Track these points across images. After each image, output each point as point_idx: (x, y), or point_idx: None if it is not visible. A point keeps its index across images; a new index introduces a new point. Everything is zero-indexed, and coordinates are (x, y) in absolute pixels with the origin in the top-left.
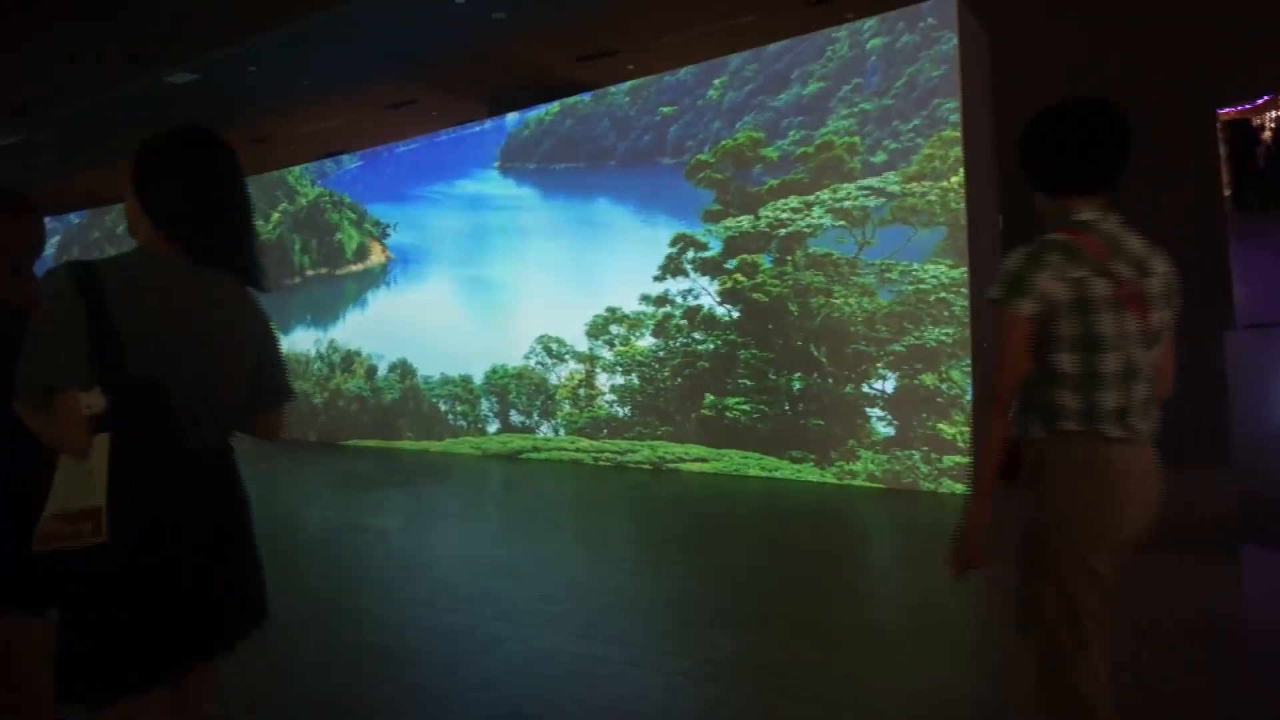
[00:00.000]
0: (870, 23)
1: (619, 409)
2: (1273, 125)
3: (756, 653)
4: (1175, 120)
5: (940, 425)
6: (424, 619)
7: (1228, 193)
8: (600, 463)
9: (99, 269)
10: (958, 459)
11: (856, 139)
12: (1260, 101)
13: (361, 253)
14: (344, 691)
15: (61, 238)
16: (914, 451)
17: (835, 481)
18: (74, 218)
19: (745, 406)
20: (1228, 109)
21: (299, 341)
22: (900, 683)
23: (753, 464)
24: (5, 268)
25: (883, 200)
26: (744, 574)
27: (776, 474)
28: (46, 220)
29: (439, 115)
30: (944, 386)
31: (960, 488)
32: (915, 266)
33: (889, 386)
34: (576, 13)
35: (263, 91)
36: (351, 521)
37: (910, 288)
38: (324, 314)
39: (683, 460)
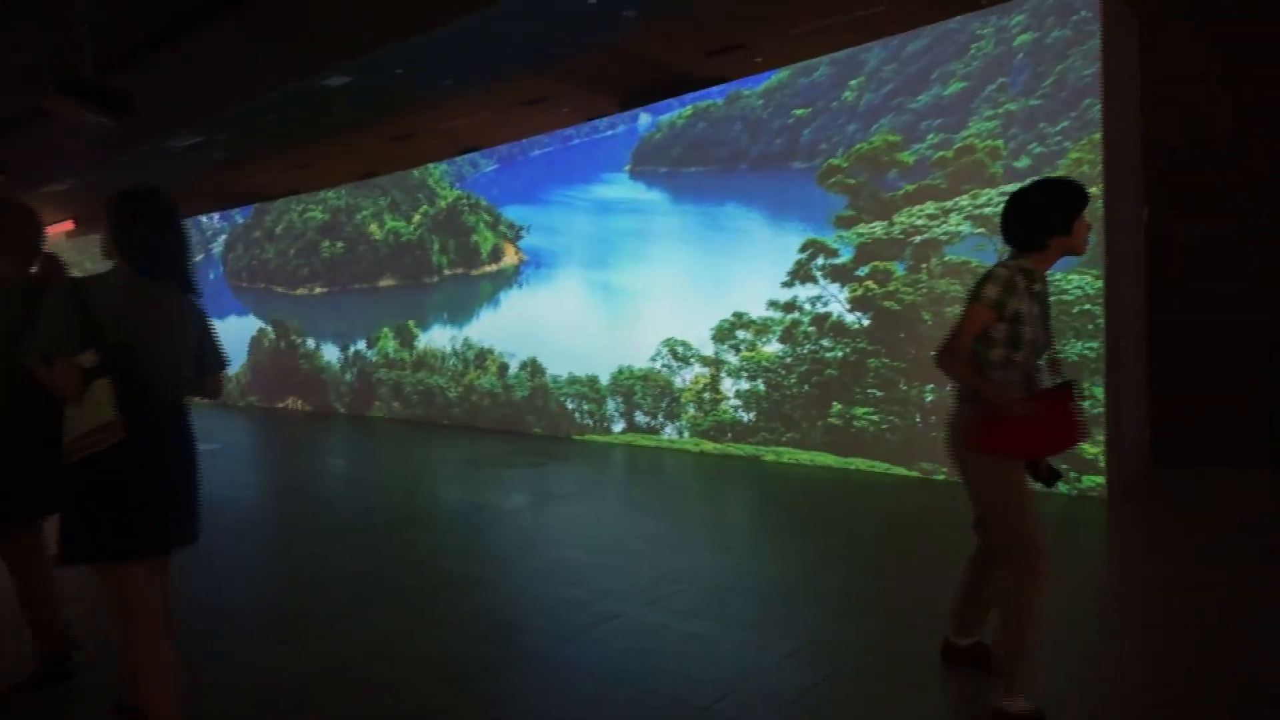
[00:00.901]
0: (1019, 17)
1: (744, 414)
2: None
3: (864, 637)
4: None
5: (1081, 444)
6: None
7: None
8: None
9: (84, 282)
10: (1098, 480)
11: (1000, 142)
12: None
13: (496, 254)
14: (458, 652)
15: (228, 236)
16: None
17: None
18: (238, 216)
19: (874, 416)
20: None
21: (435, 338)
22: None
23: (880, 473)
24: (21, 259)
25: None
26: (858, 562)
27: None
28: (213, 216)
29: (570, 112)
30: (1086, 404)
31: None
32: (1059, 276)
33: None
34: (705, 8)
35: (408, 92)
36: (479, 498)
37: (1053, 298)
38: (459, 312)
39: (808, 468)
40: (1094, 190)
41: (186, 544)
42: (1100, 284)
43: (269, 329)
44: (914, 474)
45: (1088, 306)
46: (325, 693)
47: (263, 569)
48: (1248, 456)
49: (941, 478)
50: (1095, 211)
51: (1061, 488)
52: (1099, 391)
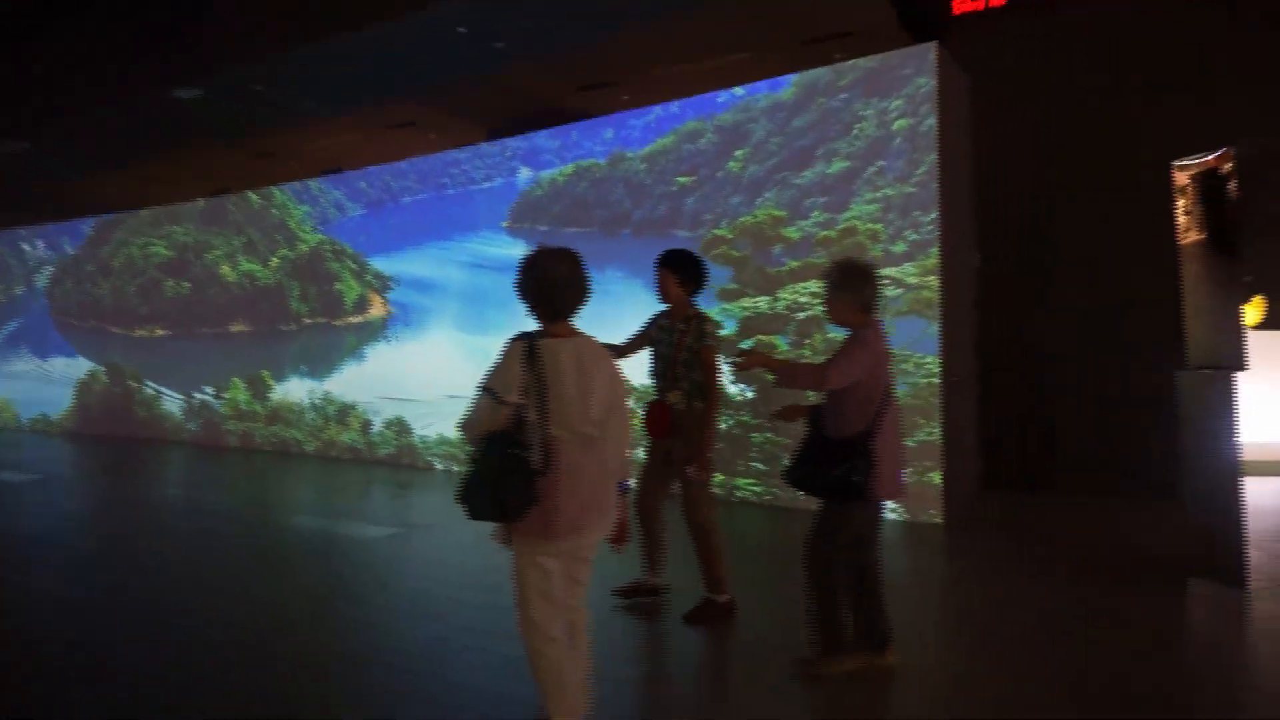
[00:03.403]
0: (898, 102)
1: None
2: (1226, 175)
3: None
4: (1135, 170)
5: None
6: None
7: (1184, 239)
8: None
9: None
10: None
11: (880, 226)
12: (1217, 154)
13: (361, 305)
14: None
15: (55, 268)
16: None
17: None
18: (68, 246)
19: (757, 488)
20: (1184, 160)
21: (293, 390)
22: None
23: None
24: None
25: (900, 291)
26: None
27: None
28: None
29: (437, 138)
30: (927, 435)
31: None
32: (929, 360)
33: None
34: (573, 45)
35: (268, 109)
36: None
37: (924, 380)
38: (320, 364)
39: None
40: (915, 214)
41: None
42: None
43: (101, 372)
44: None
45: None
46: None
47: (100, 608)
48: (1066, 485)
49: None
50: (931, 258)
51: (901, 514)
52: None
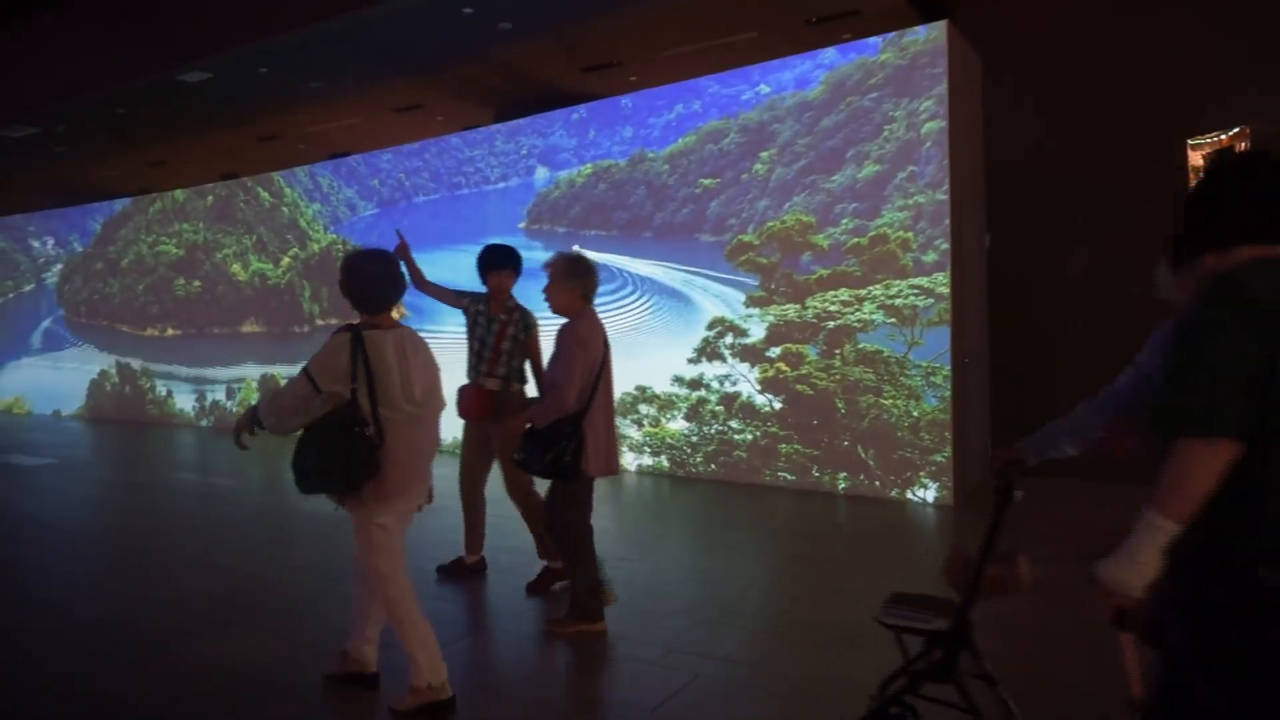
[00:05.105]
0: (927, 103)
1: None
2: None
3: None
4: (1148, 150)
5: None
6: None
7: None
8: None
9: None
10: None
11: (910, 234)
12: (1232, 133)
13: None
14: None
15: (64, 266)
16: None
17: None
18: (77, 244)
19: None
20: (1197, 138)
21: None
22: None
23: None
24: None
25: (931, 301)
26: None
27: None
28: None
29: (444, 120)
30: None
31: None
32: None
33: (930, 495)
34: (580, 25)
35: (273, 92)
36: None
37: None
38: None
39: None
40: (947, 223)
41: None
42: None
43: (112, 371)
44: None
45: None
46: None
47: (116, 587)
48: (1075, 467)
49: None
50: (944, 237)
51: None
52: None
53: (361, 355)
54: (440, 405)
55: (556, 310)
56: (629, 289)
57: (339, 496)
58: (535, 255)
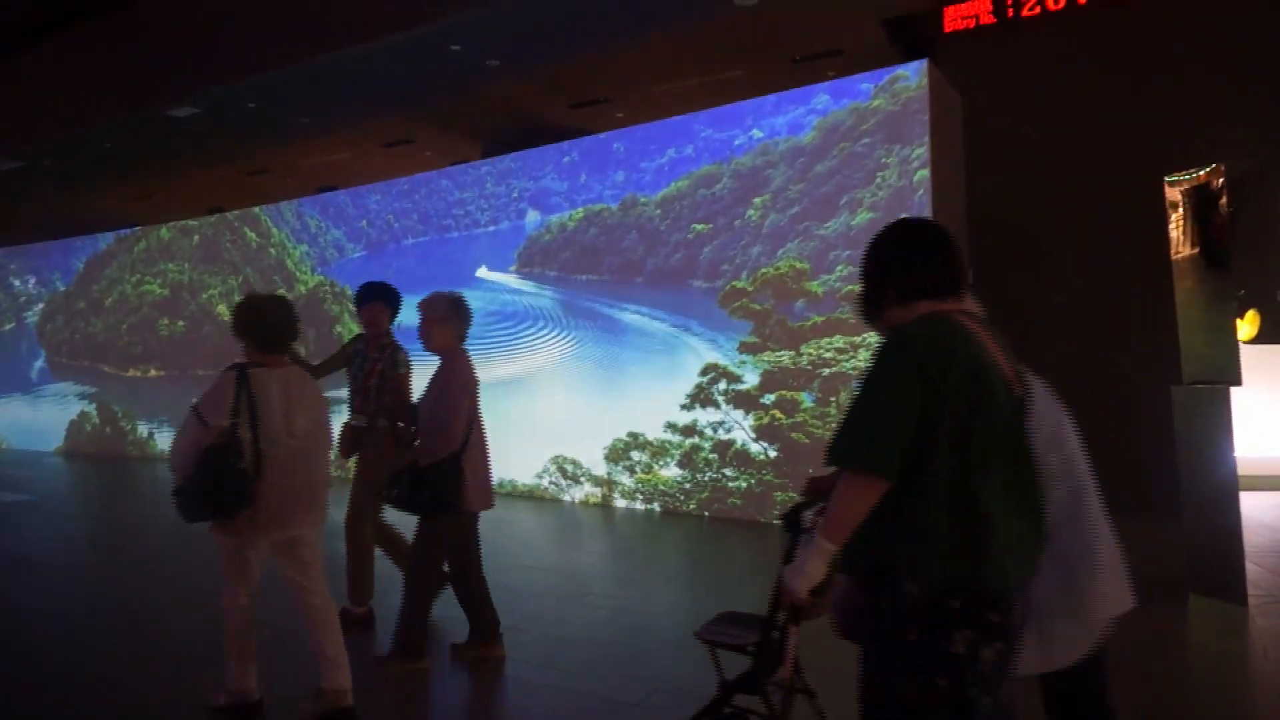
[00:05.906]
0: (919, 150)
1: None
2: (1218, 190)
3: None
4: (1127, 186)
5: None
6: None
7: (1176, 254)
8: None
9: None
10: None
11: None
12: (1208, 170)
13: None
14: None
15: (46, 305)
16: None
17: None
18: (59, 282)
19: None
20: (1175, 176)
21: None
22: None
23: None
24: None
25: None
26: None
27: None
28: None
29: (432, 155)
30: None
31: None
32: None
33: None
34: (568, 62)
35: (262, 127)
36: None
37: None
38: None
39: None
40: None
41: None
42: None
43: (92, 411)
44: None
45: None
46: None
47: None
48: None
49: None
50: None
51: None
52: None
53: (246, 390)
54: (327, 441)
55: (432, 349)
56: (616, 333)
57: (214, 524)
58: (525, 300)
